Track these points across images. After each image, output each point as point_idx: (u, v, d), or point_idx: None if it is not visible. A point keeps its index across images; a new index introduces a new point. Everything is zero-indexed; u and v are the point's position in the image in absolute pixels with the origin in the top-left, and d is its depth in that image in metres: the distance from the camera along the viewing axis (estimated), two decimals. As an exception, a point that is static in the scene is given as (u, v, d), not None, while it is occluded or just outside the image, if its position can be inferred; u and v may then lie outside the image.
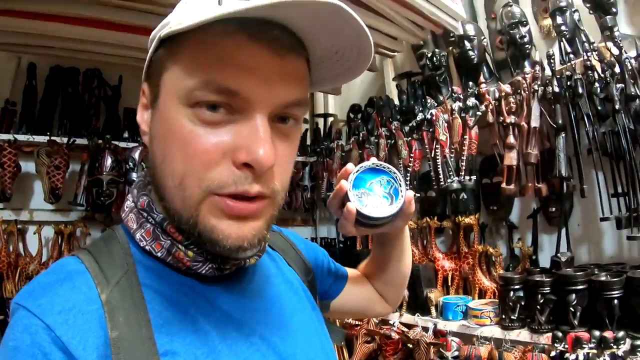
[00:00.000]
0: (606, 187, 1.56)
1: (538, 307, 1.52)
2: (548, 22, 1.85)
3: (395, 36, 2.22)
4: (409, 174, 2.16)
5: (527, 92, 1.70)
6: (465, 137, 1.90)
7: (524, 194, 1.76)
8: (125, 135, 2.66)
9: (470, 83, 1.96)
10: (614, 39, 1.50)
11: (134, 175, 2.38)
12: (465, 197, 1.97)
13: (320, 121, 3.20)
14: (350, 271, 0.97)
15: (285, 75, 0.53)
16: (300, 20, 0.52)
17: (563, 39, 1.70)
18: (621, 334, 1.32)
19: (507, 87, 1.77)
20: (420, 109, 2.15)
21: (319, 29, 0.53)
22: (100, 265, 0.55)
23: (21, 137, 2.38)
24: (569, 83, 1.59)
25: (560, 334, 1.43)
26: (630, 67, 1.45)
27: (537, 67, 1.70)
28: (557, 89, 1.61)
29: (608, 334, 1.33)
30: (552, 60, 1.64)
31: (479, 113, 1.88)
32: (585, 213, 1.75)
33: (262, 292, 0.66)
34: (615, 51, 1.48)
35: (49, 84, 2.59)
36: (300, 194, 2.96)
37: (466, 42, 2.00)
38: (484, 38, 2.04)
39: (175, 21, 0.53)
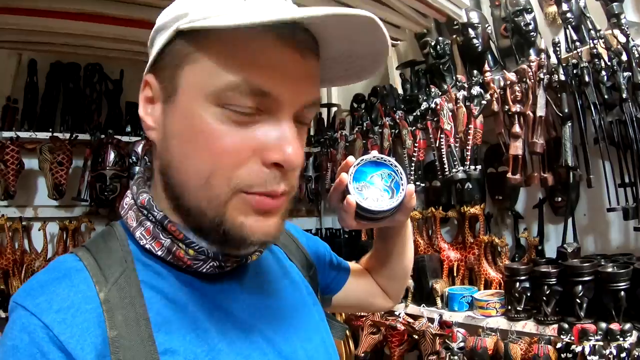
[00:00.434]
0: (613, 177, 1.53)
1: (544, 298, 1.51)
2: (553, 9, 1.81)
3: (399, 25, 2.19)
4: (413, 164, 2.14)
5: (532, 81, 1.67)
6: (470, 126, 1.88)
7: (529, 183, 1.74)
8: (128, 129, 2.67)
9: (475, 71, 1.93)
10: (621, 26, 1.47)
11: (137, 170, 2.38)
12: (471, 186, 1.95)
13: (324, 111, 3.17)
14: (352, 265, 0.96)
15: (309, 76, 0.55)
16: (329, 26, 0.52)
17: (569, 26, 1.67)
18: (628, 326, 1.31)
19: (512, 76, 1.74)
20: (425, 98, 2.13)
21: (343, 36, 0.53)
22: (98, 263, 0.54)
23: (23, 134, 2.38)
24: (575, 71, 1.56)
25: (566, 326, 1.42)
26: (637, 55, 1.42)
27: (543, 55, 1.67)
28: (563, 77, 1.58)
29: (614, 326, 1.32)
30: (557, 48, 1.61)
31: (483, 102, 1.86)
32: (591, 203, 1.73)
33: (262, 289, 0.66)
34: (622, 39, 1.45)
35: (50, 80, 2.59)
36: (304, 185, 2.96)
37: (470, 30, 1.97)
38: (488, 26, 2.00)
39: (197, 13, 0.51)
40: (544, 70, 1.65)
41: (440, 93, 2.06)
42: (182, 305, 0.55)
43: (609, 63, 1.49)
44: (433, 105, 2.04)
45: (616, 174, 1.52)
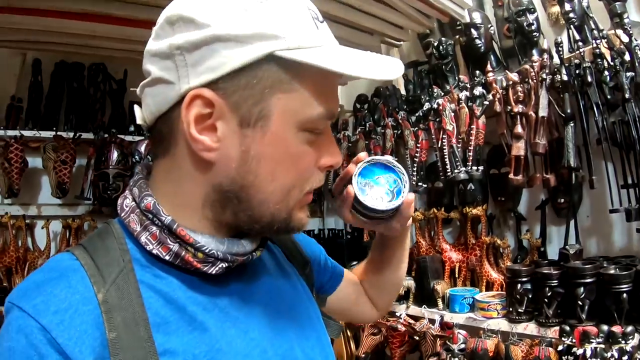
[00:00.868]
0: (616, 178, 1.52)
1: (546, 300, 1.50)
2: (556, 9, 1.80)
3: (402, 25, 2.19)
4: (415, 165, 2.13)
5: (535, 81, 1.66)
6: (472, 126, 1.87)
7: (532, 184, 1.73)
8: (131, 128, 2.67)
9: (477, 72, 1.92)
10: (624, 26, 1.46)
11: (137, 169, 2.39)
12: (473, 187, 1.95)
13: (327, 112, 3.17)
14: (346, 271, 0.98)
15: None
16: None
17: (571, 26, 1.66)
18: (630, 328, 1.30)
19: (514, 76, 1.73)
20: (427, 98, 2.12)
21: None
22: (96, 262, 0.54)
23: (27, 133, 2.40)
24: (577, 71, 1.55)
25: (567, 328, 1.41)
26: (640, 55, 1.41)
27: (545, 55, 1.66)
28: (565, 78, 1.58)
29: (616, 329, 1.31)
30: (560, 48, 1.60)
31: (486, 102, 1.85)
32: (594, 204, 1.72)
33: (260, 287, 0.66)
34: (625, 39, 1.44)
35: (54, 80, 2.60)
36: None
37: (473, 31, 1.96)
38: (491, 26, 1.99)
39: (291, 40, 0.53)
40: (547, 71, 1.63)
41: (442, 93, 2.06)
42: (181, 305, 0.55)
43: (611, 63, 1.48)
44: (435, 106, 2.04)
45: (619, 174, 1.51)
